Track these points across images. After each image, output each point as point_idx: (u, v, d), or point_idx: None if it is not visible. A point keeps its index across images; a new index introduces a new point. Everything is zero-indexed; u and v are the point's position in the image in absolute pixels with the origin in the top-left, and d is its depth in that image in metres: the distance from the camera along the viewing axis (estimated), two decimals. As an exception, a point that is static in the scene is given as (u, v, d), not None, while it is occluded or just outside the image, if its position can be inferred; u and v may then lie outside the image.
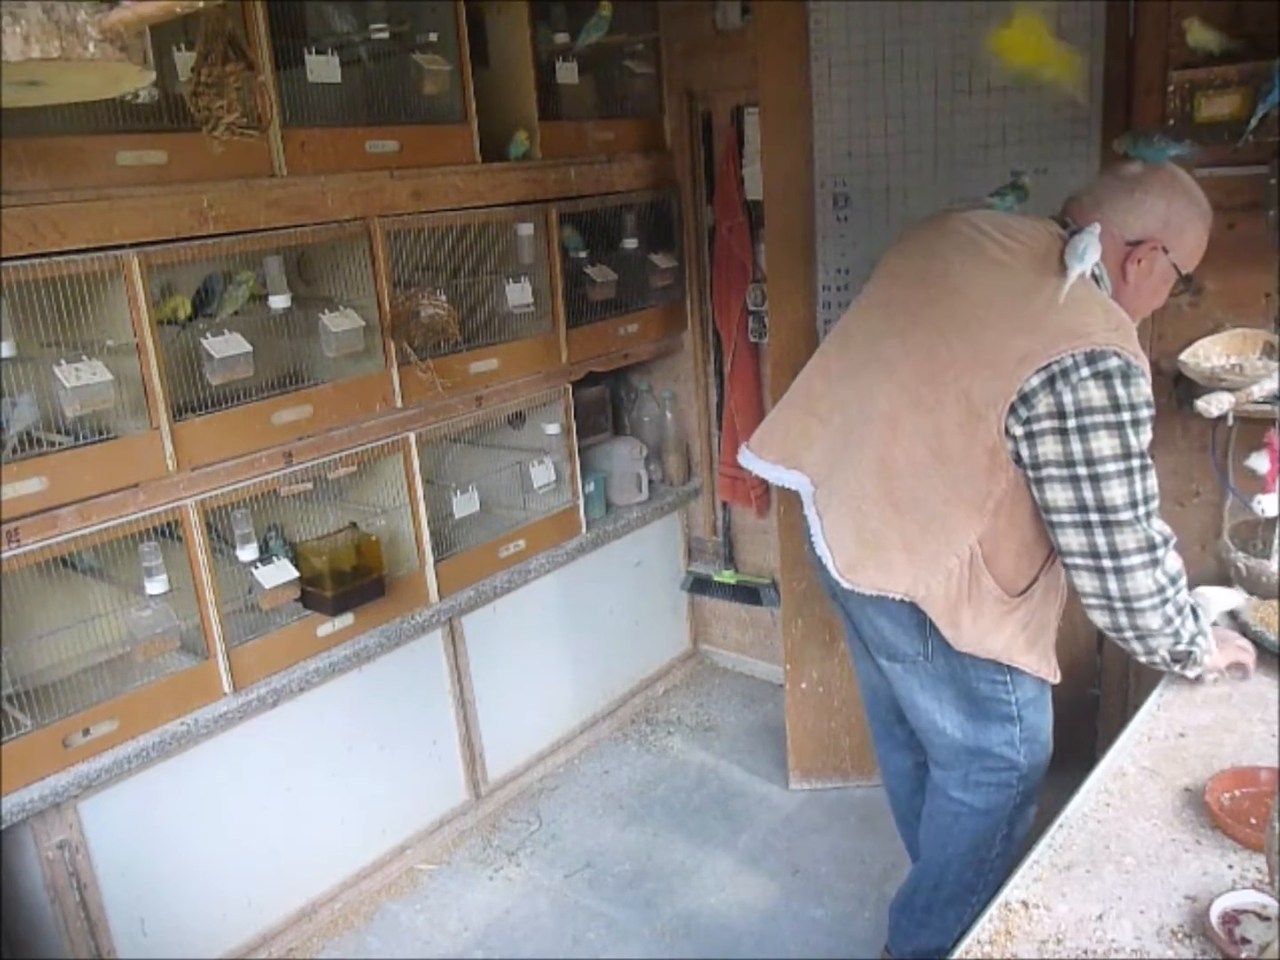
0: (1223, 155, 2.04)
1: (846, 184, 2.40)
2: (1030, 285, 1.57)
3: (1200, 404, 1.11)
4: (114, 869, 2.03)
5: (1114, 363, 1.47)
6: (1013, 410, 1.51)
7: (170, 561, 2.05)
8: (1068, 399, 1.47)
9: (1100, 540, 1.50)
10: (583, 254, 2.86)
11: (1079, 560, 1.53)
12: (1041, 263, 1.59)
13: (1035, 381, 1.49)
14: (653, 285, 3.04)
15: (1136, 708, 1.59)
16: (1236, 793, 1.33)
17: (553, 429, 2.83)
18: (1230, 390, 1.11)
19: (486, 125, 2.50)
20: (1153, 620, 1.52)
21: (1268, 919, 1.10)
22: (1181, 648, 1.56)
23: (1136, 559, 1.49)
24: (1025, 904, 1.19)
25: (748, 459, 1.94)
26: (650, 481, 3.23)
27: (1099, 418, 1.46)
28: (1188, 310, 2.11)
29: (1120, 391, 1.46)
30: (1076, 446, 1.47)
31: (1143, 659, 1.60)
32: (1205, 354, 1.15)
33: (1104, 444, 1.46)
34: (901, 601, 1.67)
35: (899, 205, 2.39)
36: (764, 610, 3.26)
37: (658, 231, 3.07)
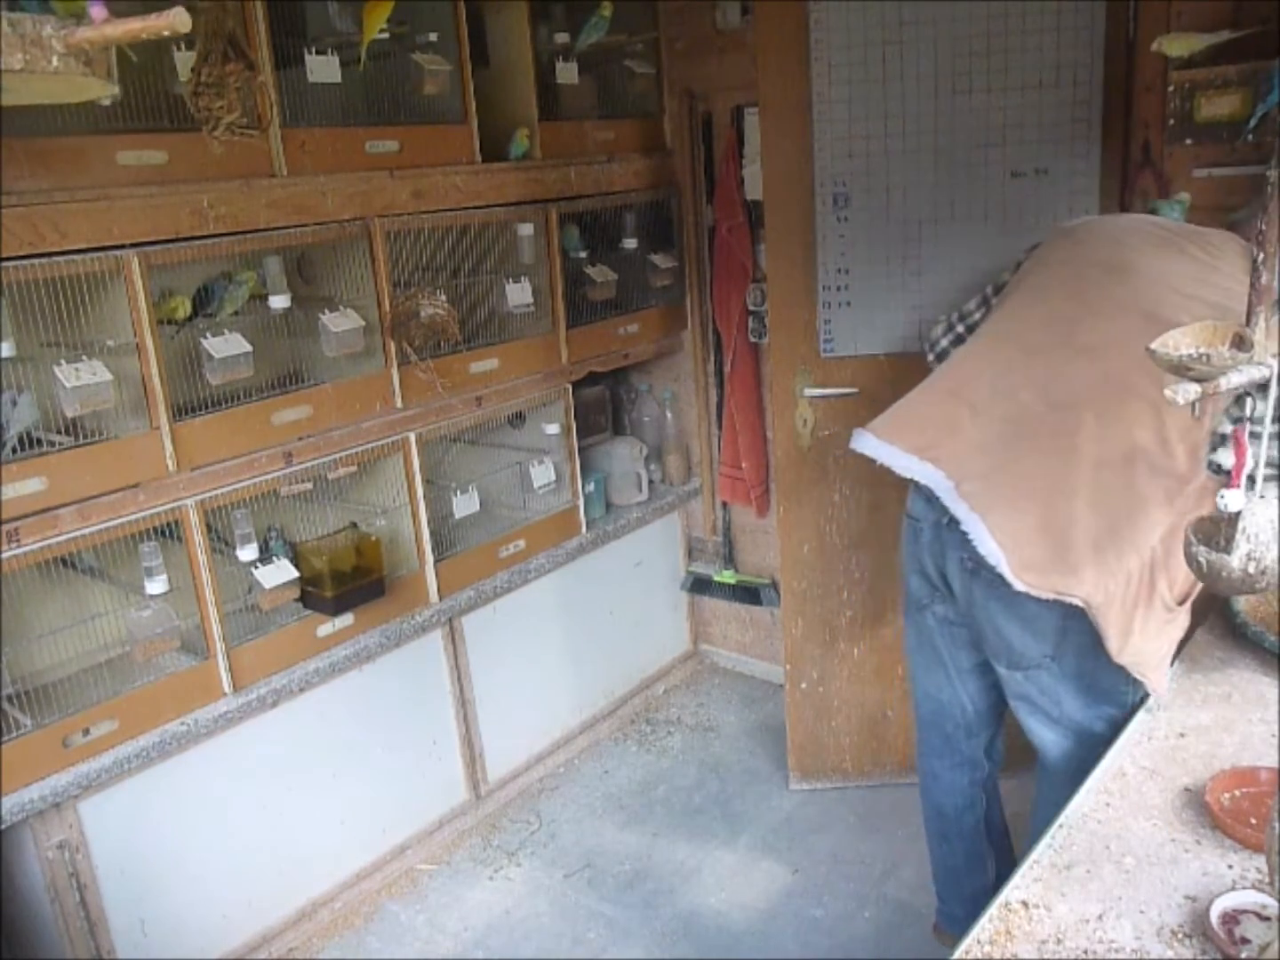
0: (1222, 155, 2.05)
1: (846, 184, 2.40)
2: (1233, 282, 1.50)
3: (1167, 393, 1.11)
4: (114, 869, 2.03)
5: None
6: (1225, 410, 1.43)
7: (170, 561, 2.05)
8: None
9: None
10: (583, 254, 2.86)
11: None
12: (1238, 266, 1.53)
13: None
14: (653, 285, 3.04)
15: (1136, 708, 1.59)
16: (1236, 793, 1.33)
17: (553, 429, 2.83)
18: (1198, 380, 1.11)
19: (486, 125, 2.50)
20: None
21: (1268, 919, 1.10)
22: None
23: None
24: (1025, 904, 1.19)
25: (871, 445, 1.78)
26: (650, 481, 3.23)
27: None
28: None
29: None
30: None
31: None
32: (1175, 344, 1.15)
33: None
34: (1044, 605, 1.58)
35: (899, 205, 2.39)
36: (764, 610, 3.26)
37: (658, 231, 3.07)
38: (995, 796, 2.13)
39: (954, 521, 1.69)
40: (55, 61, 0.76)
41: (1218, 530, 1.19)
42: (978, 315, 2.01)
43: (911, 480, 1.79)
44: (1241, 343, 1.11)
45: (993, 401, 1.68)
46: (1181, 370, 1.12)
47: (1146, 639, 1.57)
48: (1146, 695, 1.72)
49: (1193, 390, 1.09)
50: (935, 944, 2.20)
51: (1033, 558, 1.57)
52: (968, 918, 2.26)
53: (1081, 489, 1.56)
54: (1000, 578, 1.63)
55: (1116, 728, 1.71)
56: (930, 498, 1.75)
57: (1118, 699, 1.69)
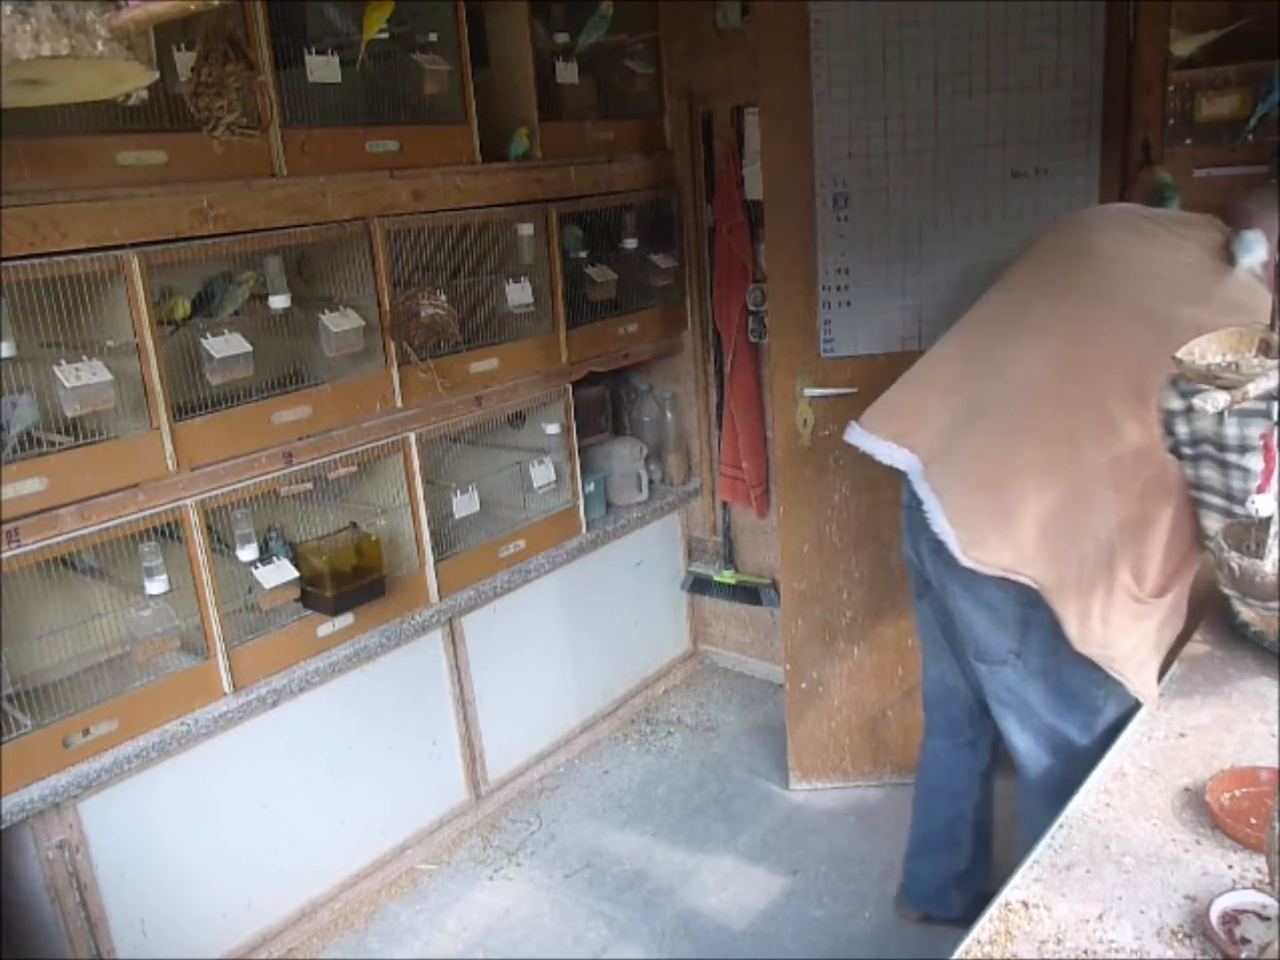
0: (1221, 155, 2.05)
1: (846, 184, 2.40)
2: (1198, 262, 1.52)
3: (1197, 401, 1.11)
4: (114, 869, 2.03)
5: None
6: (1174, 383, 1.44)
7: (170, 561, 2.04)
8: None
9: None
10: (583, 254, 2.86)
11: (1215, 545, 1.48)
12: (1207, 248, 1.54)
13: None
14: (653, 285, 3.04)
15: (1137, 708, 1.59)
16: (1236, 793, 1.33)
17: (553, 429, 2.83)
18: (1226, 388, 1.11)
19: (486, 125, 2.50)
20: None
21: (1268, 919, 1.10)
22: None
23: None
24: (1025, 904, 1.19)
25: (855, 435, 1.88)
26: (650, 481, 3.23)
27: (1261, 404, 1.35)
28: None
29: None
30: (1232, 430, 1.40)
31: None
32: (1201, 352, 1.15)
33: (1260, 432, 1.38)
34: (1004, 590, 1.61)
35: (899, 205, 2.39)
36: (764, 610, 3.26)
37: (658, 231, 3.07)
38: (988, 793, 2.16)
39: (922, 504, 1.75)
40: (100, 46, 0.75)
41: (1249, 535, 1.19)
42: None
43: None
44: (1268, 348, 1.11)
45: (958, 386, 1.75)
46: (1210, 378, 1.12)
47: (1112, 629, 1.58)
48: (1126, 704, 1.72)
49: (1221, 399, 1.08)
50: (926, 936, 2.20)
51: (982, 536, 1.61)
52: (928, 897, 2.29)
53: (1027, 468, 1.59)
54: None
55: (1095, 739, 1.72)
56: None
57: (1088, 702, 1.70)
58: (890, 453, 1.80)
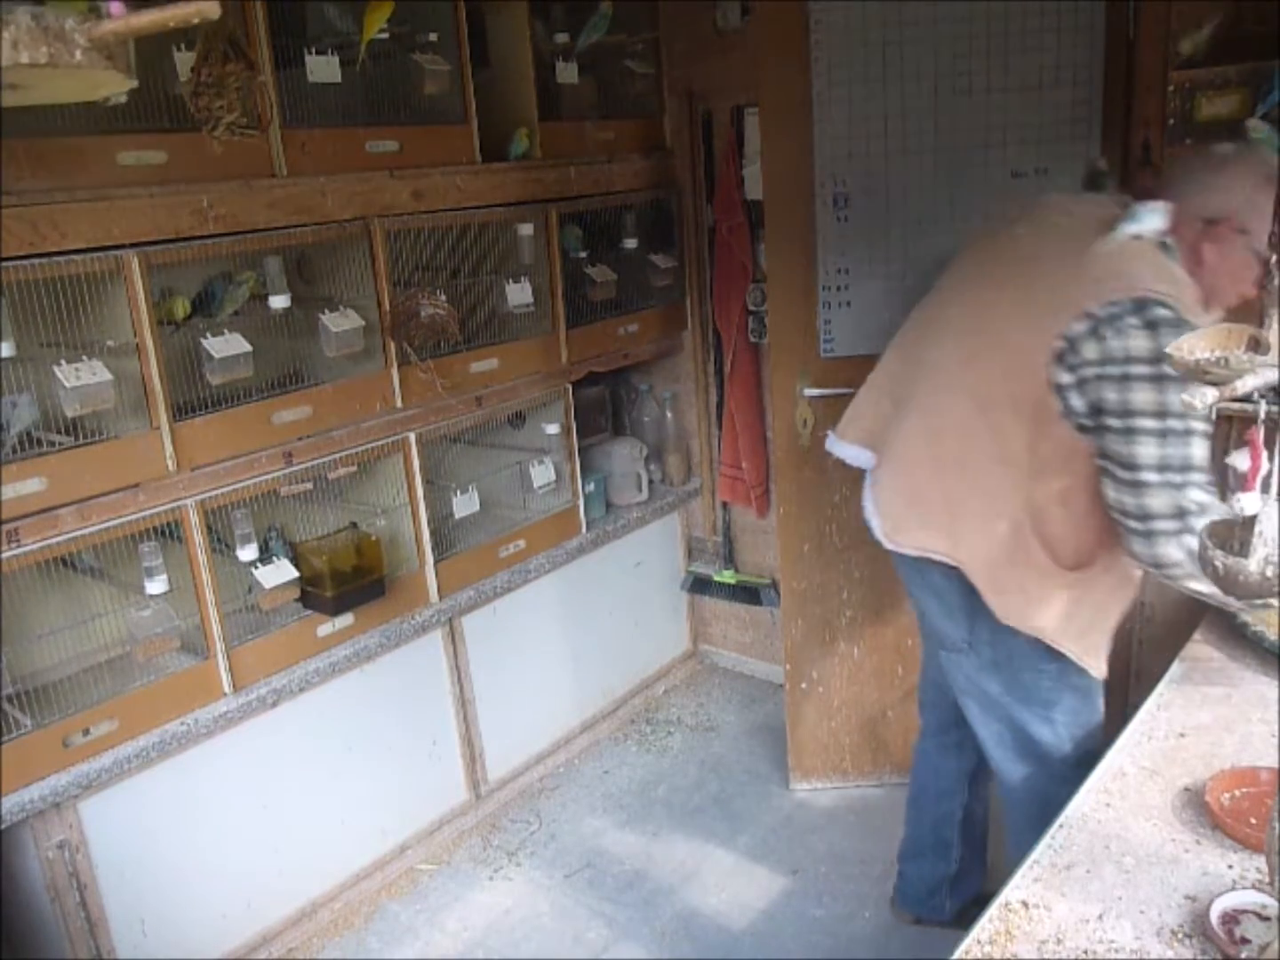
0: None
1: (846, 184, 2.40)
2: (1085, 243, 1.56)
3: (1185, 397, 1.11)
4: (114, 869, 2.03)
5: (1163, 313, 1.42)
6: (1060, 359, 1.48)
7: (170, 561, 2.04)
8: (1115, 345, 1.42)
9: (1128, 499, 1.46)
10: (583, 254, 2.86)
11: (1113, 513, 1.50)
12: (1102, 227, 1.57)
13: (1080, 328, 1.46)
14: (653, 285, 3.04)
15: (1136, 707, 1.59)
16: (1236, 793, 1.33)
17: (553, 429, 2.83)
18: (1215, 384, 1.11)
19: (486, 125, 2.50)
20: (1188, 583, 1.48)
21: (1268, 919, 1.10)
22: None
23: (1159, 524, 1.43)
24: (1025, 904, 1.19)
25: (831, 443, 1.99)
26: (650, 481, 3.23)
27: (1142, 368, 1.41)
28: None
29: (1168, 344, 1.42)
30: (1113, 395, 1.44)
31: None
32: (1190, 348, 1.15)
33: (1141, 397, 1.41)
34: (947, 577, 1.67)
35: (899, 205, 2.39)
36: (764, 610, 3.26)
37: (658, 231, 3.07)
38: (981, 794, 2.16)
39: None
40: (79, 55, 0.75)
41: (1232, 534, 1.19)
42: None
43: None
44: (1257, 345, 1.11)
45: (891, 386, 1.84)
46: (1199, 374, 1.12)
47: (1032, 603, 1.64)
48: (1084, 697, 1.74)
49: (1210, 394, 1.09)
50: (925, 936, 2.20)
51: (898, 519, 1.75)
52: (919, 900, 2.32)
53: (936, 455, 1.68)
54: None
55: (1063, 742, 1.75)
56: None
57: (1041, 695, 1.73)
58: (857, 455, 1.91)
